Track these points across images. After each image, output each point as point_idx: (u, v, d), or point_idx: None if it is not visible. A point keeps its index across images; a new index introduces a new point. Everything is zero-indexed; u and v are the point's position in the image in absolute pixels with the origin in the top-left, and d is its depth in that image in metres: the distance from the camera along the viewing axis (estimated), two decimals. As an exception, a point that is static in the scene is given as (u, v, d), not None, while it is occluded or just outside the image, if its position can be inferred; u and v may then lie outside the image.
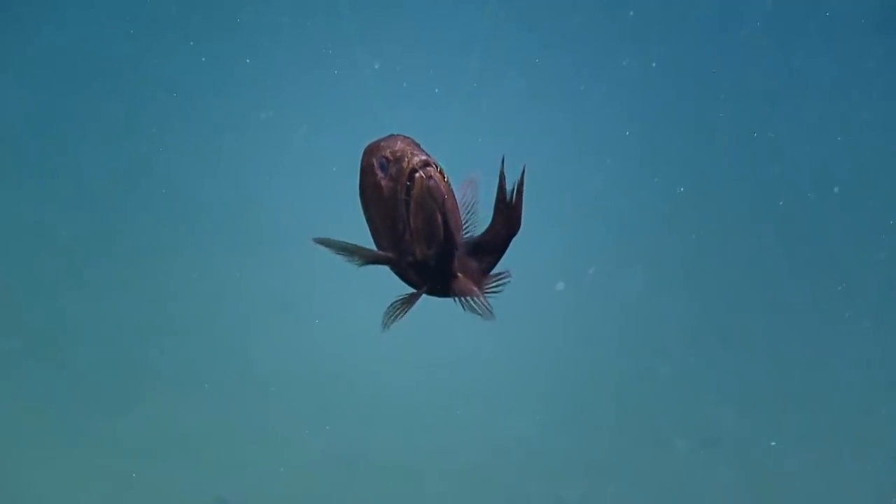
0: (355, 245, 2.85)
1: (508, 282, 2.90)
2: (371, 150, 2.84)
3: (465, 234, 2.86)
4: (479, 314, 2.86)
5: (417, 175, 2.71)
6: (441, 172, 2.74)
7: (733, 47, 8.31)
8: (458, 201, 2.80)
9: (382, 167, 2.79)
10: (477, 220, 2.88)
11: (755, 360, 7.88)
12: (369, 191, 2.83)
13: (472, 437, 7.82)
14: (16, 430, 7.73)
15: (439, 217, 2.71)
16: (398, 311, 2.91)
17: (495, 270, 2.93)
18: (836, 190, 8.15)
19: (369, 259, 2.87)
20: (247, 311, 8.19)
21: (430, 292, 2.90)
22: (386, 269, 2.93)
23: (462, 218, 2.84)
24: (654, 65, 8.25)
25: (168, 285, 8.15)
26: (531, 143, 8.22)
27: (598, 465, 7.55)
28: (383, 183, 2.78)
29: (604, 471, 7.56)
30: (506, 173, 2.81)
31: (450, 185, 2.76)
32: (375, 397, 7.94)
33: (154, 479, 7.64)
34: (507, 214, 2.81)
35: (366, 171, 2.83)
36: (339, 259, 2.91)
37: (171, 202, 8.22)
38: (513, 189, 2.79)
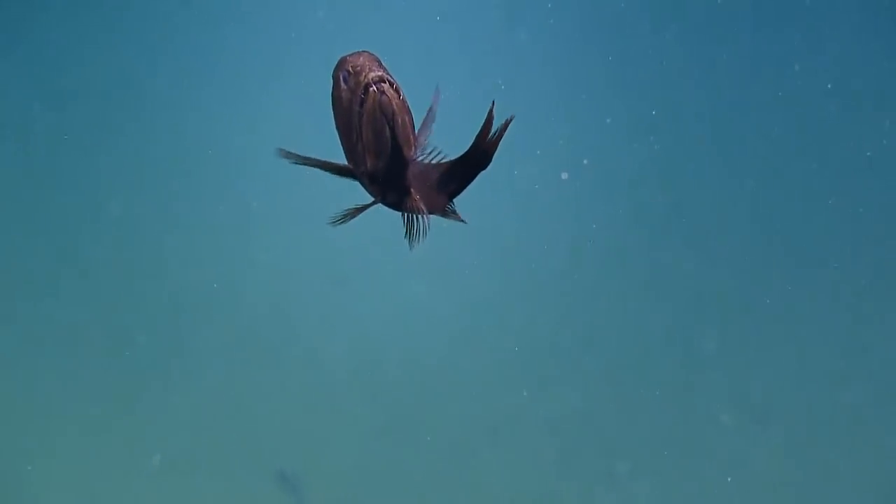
0: (317, 158, 3.02)
1: (462, 221, 3.04)
2: (339, 64, 3.01)
3: (436, 157, 2.97)
4: (418, 235, 2.97)
5: (371, 89, 2.83)
6: (396, 90, 2.86)
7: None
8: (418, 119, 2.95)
9: (345, 79, 2.94)
10: (429, 134, 3.01)
11: (805, 333, 7.82)
12: (335, 101, 2.99)
13: (521, 410, 7.98)
14: (76, 402, 7.98)
15: (387, 131, 2.83)
16: (348, 215, 3.03)
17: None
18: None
19: (330, 169, 3.03)
20: (301, 285, 8.33)
21: (385, 203, 3.03)
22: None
23: (424, 128, 2.99)
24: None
25: (223, 260, 8.34)
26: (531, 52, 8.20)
27: (646, 438, 7.65)
28: (344, 95, 2.93)
29: (651, 444, 7.66)
30: (493, 116, 2.91)
31: (405, 102, 2.89)
32: (428, 371, 8.11)
33: (214, 452, 7.90)
34: (482, 150, 2.91)
35: (335, 83, 2.99)
36: (308, 171, 3.06)
37: (223, 173, 8.39)
38: (495, 132, 2.89)
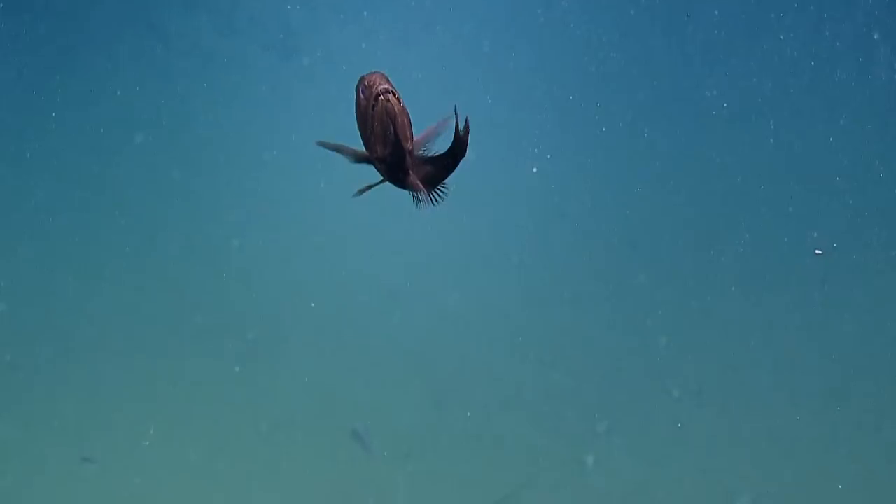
0: (345, 146, 3.99)
1: (447, 193, 3.87)
2: (360, 81, 3.97)
3: (426, 150, 3.87)
4: (421, 204, 3.87)
5: (380, 98, 3.81)
6: (398, 99, 3.84)
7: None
8: (429, 125, 3.86)
9: (363, 91, 3.92)
10: (435, 142, 3.89)
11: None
12: (357, 107, 3.99)
13: (524, 384, 9.09)
14: (212, 387, 8.86)
15: (391, 127, 3.85)
16: (365, 189, 4.05)
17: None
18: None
19: (354, 155, 4.00)
20: (358, 297, 9.25)
21: (392, 182, 4.01)
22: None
23: (428, 135, 3.88)
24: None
25: (295, 275, 9.13)
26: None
27: (617, 405, 8.91)
28: (362, 102, 3.93)
29: (622, 409, 8.94)
30: (462, 114, 3.70)
31: (404, 107, 3.87)
32: (458, 354, 9.14)
33: (309, 416, 8.86)
34: (458, 143, 3.82)
35: (357, 94, 3.97)
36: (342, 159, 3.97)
37: (287, 190, 9.15)
38: (464, 127, 3.77)
